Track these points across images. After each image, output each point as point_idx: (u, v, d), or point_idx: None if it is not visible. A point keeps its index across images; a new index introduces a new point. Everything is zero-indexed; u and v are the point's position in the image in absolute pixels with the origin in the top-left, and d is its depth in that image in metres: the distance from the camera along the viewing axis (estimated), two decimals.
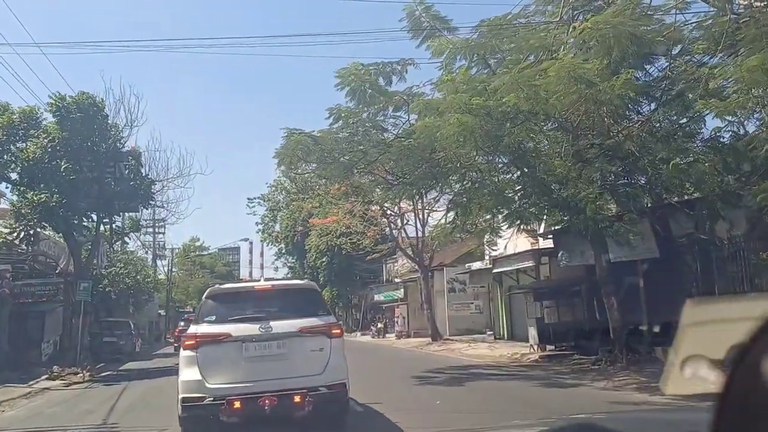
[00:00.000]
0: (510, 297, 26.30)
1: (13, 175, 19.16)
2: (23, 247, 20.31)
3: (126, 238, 36.54)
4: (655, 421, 2.40)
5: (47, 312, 21.77)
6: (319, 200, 42.18)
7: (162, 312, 52.02)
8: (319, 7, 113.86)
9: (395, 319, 37.32)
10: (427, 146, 13.45)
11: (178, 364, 7.94)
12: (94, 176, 19.68)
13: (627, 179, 13.70)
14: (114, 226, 30.41)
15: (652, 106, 12.81)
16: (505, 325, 26.89)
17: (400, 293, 38.12)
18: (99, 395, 13.91)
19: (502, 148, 12.89)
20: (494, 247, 24.12)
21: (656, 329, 13.70)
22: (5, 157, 18.74)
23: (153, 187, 22.47)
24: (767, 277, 13.01)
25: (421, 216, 31.52)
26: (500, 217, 16.16)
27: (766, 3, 9.99)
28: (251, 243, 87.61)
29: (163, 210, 33.19)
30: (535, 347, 19.16)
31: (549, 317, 20.25)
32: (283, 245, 55.28)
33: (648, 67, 12.50)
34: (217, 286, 8.96)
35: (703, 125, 12.14)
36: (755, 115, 10.71)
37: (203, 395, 6.89)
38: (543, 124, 13.05)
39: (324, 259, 45.26)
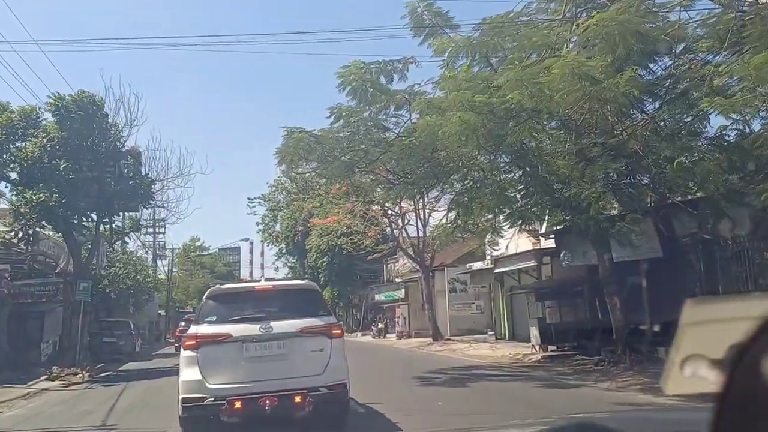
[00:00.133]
0: (511, 297, 26.22)
1: (13, 175, 19.09)
2: (22, 246, 20.22)
3: (126, 238, 36.48)
4: (656, 421, 2.39)
5: (46, 312, 21.69)
6: (320, 200, 42.12)
7: (162, 312, 51.96)
8: (320, 7, 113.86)
9: (396, 320, 37.23)
10: (429, 145, 13.36)
11: (178, 364, 7.97)
12: (93, 176, 19.61)
13: (630, 178, 13.60)
14: (114, 225, 30.32)
15: (656, 104, 12.71)
16: (506, 326, 26.81)
17: (401, 293, 38.03)
18: (98, 396, 13.83)
19: (505, 148, 12.78)
20: (495, 247, 24.03)
21: (659, 329, 13.60)
22: (4, 156, 18.67)
23: (153, 186, 22.41)
24: None
25: (422, 216, 31.43)
26: (502, 217, 16.07)
27: None
28: (251, 243, 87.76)
29: (163, 210, 33.10)
30: (537, 348, 19.06)
31: (551, 317, 20.16)
32: (283, 245, 55.21)
33: (652, 65, 12.41)
34: (217, 286, 8.95)
35: (707, 124, 12.05)
36: (761, 113, 10.63)
37: (204, 395, 6.90)
38: (546, 122, 12.94)
39: (324, 259, 45.17)
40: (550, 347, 18.88)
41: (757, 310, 0.80)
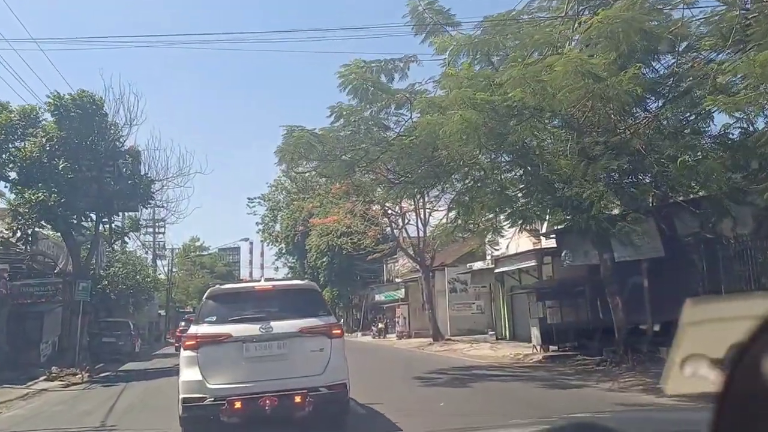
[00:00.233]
0: (512, 297, 26.15)
1: (12, 175, 19.02)
2: (21, 246, 20.15)
3: (126, 238, 36.38)
4: (656, 421, 2.37)
5: (46, 312, 21.62)
6: (320, 200, 42.06)
7: (162, 312, 51.91)
8: (320, 5, 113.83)
9: (396, 320, 37.16)
10: (430, 144, 13.29)
11: (177, 364, 7.99)
12: (93, 175, 19.54)
13: (632, 178, 13.53)
14: (113, 225, 30.24)
15: (659, 103, 12.64)
16: (507, 326, 26.75)
17: (401, 293, 37.97)
18: (97, 396, 13.77)
19: (506, 146, 12.71)
20: (496, 247, 23.97)
21: (662, 330, 13.53)
22: (3, 156, 18.60)
23: (153, 186, 22.34)
24: None
25: (422, 215, 31.36)
26: (502, 216, 16.00)
27: None
28: (251, 243, 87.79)
29: (163, 209, 33.03)
30: (538, 348, 19.00)
31: (552, 317, 20.10)
32: (283, 245, 55.16)
33: (654, 63, 12.34)
34: (217, 286, 8.94)
35: (711, 122, 11.98)
36: (765, 112, 10.55)
37: (204, 395, 6.91)
38: (548, 121, 12.88)
39: (324, 259, 45.12)
40: (551, 347, 18.82)
41: (757, 309, 0.80)
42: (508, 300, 26.69)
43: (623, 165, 11.77)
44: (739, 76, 9.74)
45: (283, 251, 56.71)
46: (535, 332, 19.44)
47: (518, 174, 15.14)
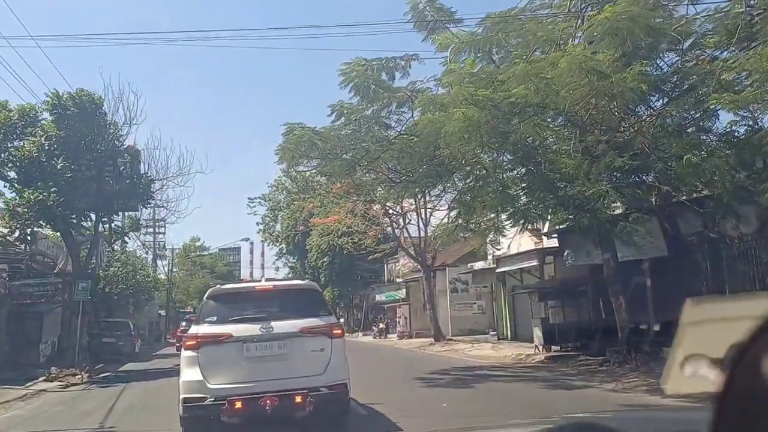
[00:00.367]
0: (514, 297, 26.08)
1: (11, 174, 18.92)
2: (20, 246, 20.06)
3: (126, 238, 36.31)
4: (656, 421, 2.37)
5: (45, 312, 21.53)
6: (321, 200, 41.94)
7: (162, 312, 51.85)
8: (320, 5, 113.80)
9: (397, 320, 37.08)
10: (431, 143, 13.20)
11: (178, 365, 8.03)
12: (92, 175, 19.46)
13: (635, 177, 13.42)
14: (113, 225, 30.18)
15: (663, 101, 12.54)
16: (508, 326, 26.66)
17: (402, 293, 37.88)
18: (97, 397, 13.68)
19: (509, 145, 12.60)
20: (498, 247, 23.87)
21: (665, 330, 13.42)
22: (2, 155, 18.51)
23: (152, 185, 22.24)
24: None
25: (423, 215, 31.26)
26: (504, 216, 15.91)
27: None
28: (252, 243, 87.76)
29: (163, 209, 32.94)
30: (540, 348, 18.90)
31: (554, 317, 20.03)
32: (284, 245, 55.08)
33: (658, 61, 12.24)
34: (218, 286, 8.93)
35: (716, 120, 11.88)
36: None
37: (204, 395, 6.92)
38: (551, 119, 12.77)
39: (325, 259, 45.03)
40: (554, 347, 18.72)
41: (758, 309, 0.80)
42: (509, 300, 26.61)
43: (627, 163, 11.64)
44: (744, 73, 9.65)
45: (284, 251, 56.64)
46: (537, 332, 19.34)
47: (520, 173, 15.05)
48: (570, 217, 14.23)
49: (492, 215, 16.87)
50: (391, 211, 33.45)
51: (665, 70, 12.34)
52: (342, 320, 36.89)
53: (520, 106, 10.80)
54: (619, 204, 13.87)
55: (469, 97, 10.69)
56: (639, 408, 8.23)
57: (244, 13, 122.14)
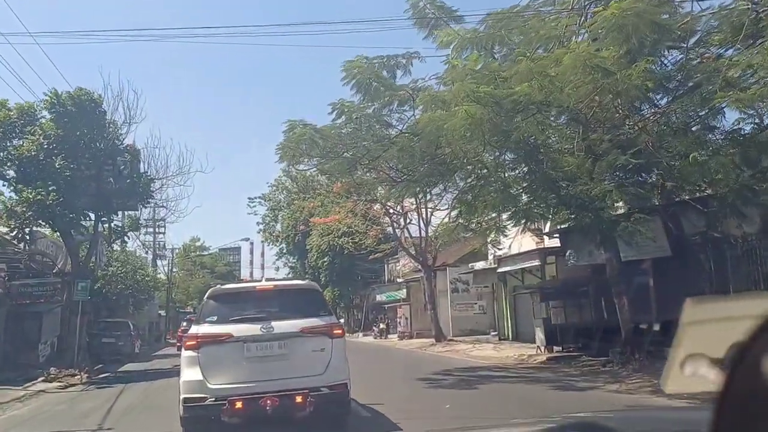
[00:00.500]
0: (515, 297, 26.00)
1: (10, 173, 18.82)
2: (19, 246, 19.94)
3: (125, 238, 36.16)
4: (656, 421, 2.35)
5: (44, 313, 21.42)
6: (321, 199, 41.87)
7: (162, 312, 51.76)
8: (321, 5, 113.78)
9: (398, 320, 36.99)
10: (432, 142, 13.09)
11: (177, 365, 8.05)
12: (91, 174, 19.34)
13: (639, 175, 13.32)
14: (113, 224, 30.05)
15: (668, 99, 12.43)
16: (509, 326, 26.57)
17: (403, 293, 37.80)
18: (96, 397, 13.57)
19: (511, 143, 12.49)
20: (499, 247, 23.79)
21: (668, 330, 13.32)
22: (1, 154, 18.40)
23: (152, 185, 22.13)
24: None
25: (424, 215, 31.17)
26: (505, 215, 15.81)
27: None
28: (252, 243, 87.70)
29: (163, 208, 32.83)
30: (542, 348, 18.80)
31: (556, 318, 19.95)
32: (284, 245, 55.02)
33: (663, 59, 12.14)
34: (218, 286, 8.89)
35: (722, 118, 11.78)
36: None
37: (205, 395, 6.91)
38: (555, 116, 12.66)
39: (325, 259, 44.95)
40: (555, 348, 18.63)
41: (758, 309, 0.79)
42: (510, 300, 26.53)
43: (630, 161, 11.53)
44: (749, 71, 9.56)
45: (284, 251, 56.58)
46: (539, 333, 19.23)
47: (522, 172, 14.94)
48: (572, 216, 14.13)
49: (493, 215, 16.80)
50: (391, 211, 33.35)
51: (670, 68, 12.25)
52: (342, 320, 36.81)
53: (523, 104, 10.69)
54: (621, 204, 13.79)
55: (471, 94, 10.59)
56: (639, 407, 8.14)
57: (245, 13, 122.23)
